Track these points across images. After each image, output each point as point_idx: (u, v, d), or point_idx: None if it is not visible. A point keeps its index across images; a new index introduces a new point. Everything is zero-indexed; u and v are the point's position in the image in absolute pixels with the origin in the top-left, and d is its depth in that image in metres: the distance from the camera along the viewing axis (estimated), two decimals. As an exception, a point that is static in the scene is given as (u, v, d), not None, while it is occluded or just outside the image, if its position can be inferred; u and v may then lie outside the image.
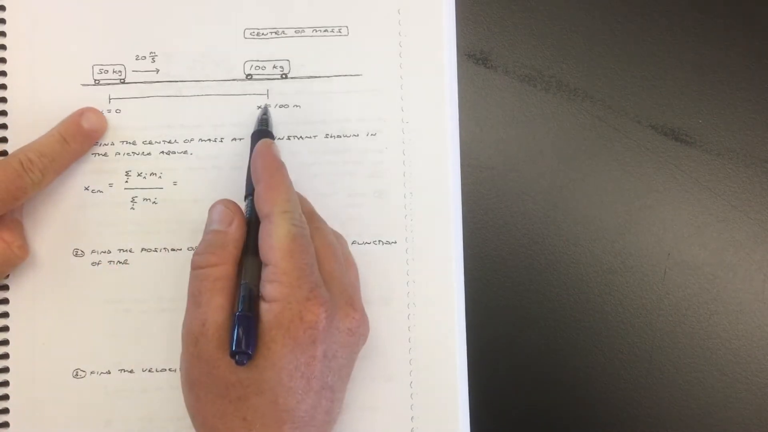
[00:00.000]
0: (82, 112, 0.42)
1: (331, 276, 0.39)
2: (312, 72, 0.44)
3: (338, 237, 0.42)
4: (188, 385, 0.37)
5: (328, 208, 0.42)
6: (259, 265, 0.38)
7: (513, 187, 0.46)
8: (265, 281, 0.37)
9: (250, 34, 0.44)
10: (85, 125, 0.42)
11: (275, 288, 0.36)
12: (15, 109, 0.43)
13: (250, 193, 0.40)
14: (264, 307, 0.36)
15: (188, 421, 0.37)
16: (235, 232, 0.39)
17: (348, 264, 0.41)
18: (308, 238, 0.38)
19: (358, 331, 0.38)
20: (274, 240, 0.37)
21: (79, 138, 0.42)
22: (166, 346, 0.42)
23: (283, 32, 0.44)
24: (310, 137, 0.44)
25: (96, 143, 0.43)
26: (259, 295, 0.37)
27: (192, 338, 0.37)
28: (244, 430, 0.35)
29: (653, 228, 0.46)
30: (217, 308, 0.37)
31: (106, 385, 0.42)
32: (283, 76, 0.44)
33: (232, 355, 0.35)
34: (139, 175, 0.43)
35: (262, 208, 0.38)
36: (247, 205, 0.40)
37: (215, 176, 0.43)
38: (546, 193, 0.46)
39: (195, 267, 0.38)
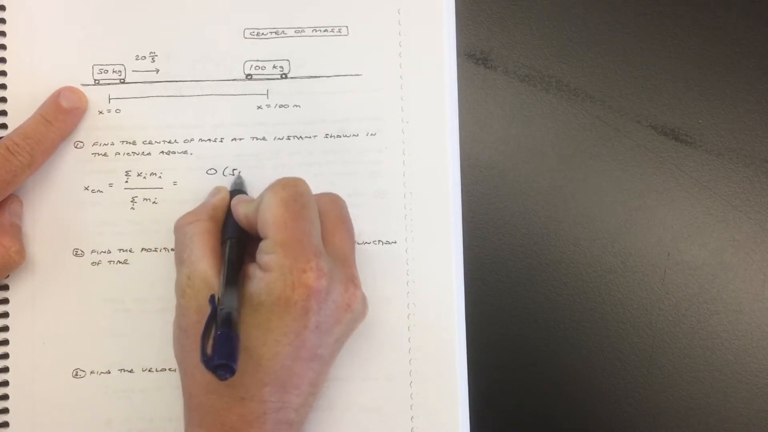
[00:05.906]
0: (59, 92, 0.42)
1: (341, 249, 0.39)
2: (312, 72, 0.44)
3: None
4: (176, 333, 0.38)
5: (328, 208, 0.42)
6: (238, 294, 0.36)
7: (513, 187, 0.46)
8: (261, 252, 0.37)
9: (250, 34, 0.44)
10: (64, 104, 0.42)
11: (272, 259, 0.36)
12: (15, 108, 0.43)
13: (228, 237, 0.40)
14: (258, 275, 0.36)
15: (188, 421, 0.37)
16: (215, 198, 0.41)
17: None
18: (304, 201, 0.38)
19: (357, 308, 0.38)
20: (267, 213, 0.37)
21: (60, 117, 0.42)
22: (166, 345, 0.42)
23: (283, 32, 0.44)
24: (310, 137, 0.44)
25: (80, 120, 0.43)
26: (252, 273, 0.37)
27: (180, 291, 0.38)
28: (224, 385, 0.35)
29: (653, 228, 0.46)
30: (198, 259, 0.38)
31: (106, 385, 0.42)
32: (283, 76, 0.44)
33: (213, 368, 0.33)
34: (139, 175, 0.43)
35: (251, 202, 0.40)
36: (228, 247, 0.39)
37: (215, 176, 0.43)
38: (546, 193, 0.46)
39: (175, 228, 0.40)
